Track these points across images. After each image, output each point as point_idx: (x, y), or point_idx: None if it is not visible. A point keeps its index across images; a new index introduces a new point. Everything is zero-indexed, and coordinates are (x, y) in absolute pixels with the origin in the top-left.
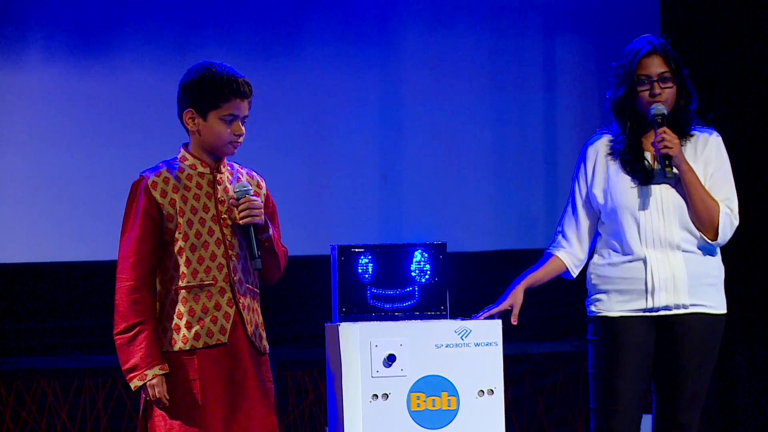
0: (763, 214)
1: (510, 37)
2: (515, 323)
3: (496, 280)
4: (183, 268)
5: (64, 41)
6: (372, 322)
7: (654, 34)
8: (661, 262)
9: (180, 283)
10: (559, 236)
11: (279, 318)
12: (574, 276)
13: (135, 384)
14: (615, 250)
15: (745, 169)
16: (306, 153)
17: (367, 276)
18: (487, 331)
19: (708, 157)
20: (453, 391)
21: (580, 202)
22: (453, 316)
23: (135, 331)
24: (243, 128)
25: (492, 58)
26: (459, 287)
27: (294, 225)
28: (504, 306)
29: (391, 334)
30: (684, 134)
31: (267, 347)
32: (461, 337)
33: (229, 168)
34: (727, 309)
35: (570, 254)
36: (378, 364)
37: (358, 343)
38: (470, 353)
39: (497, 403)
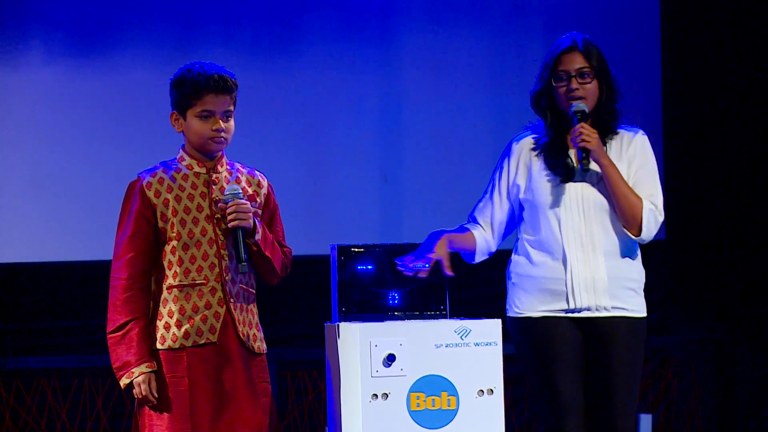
0: None
1: (510, 37)
2: (452, 274)
3: (496, 280)
4: (175, 267)
5: (64, 41)
6: (372, 322)
7: (654, 34)
8: (582, 262)
9: (172, 281)
10: (476, 222)
11: (279, 318)
12: (475, 261)
13: (123, 382)
14: (536, 249)
15: (749, 166)
16: (306, 153)
17: (367, 276)
18: (487, 331)
19: (632, 155)
20: (453, 391)
21: (498, 195)
22: (453, 316)
23: (125, 329)
24: (222, 123)
25: (492, 58)
26: (459, 287)
27: (294, 225)
28: (435, 255)
29: (390, 334)
30: (608, 132)
31: (263, 347)
32: (461, 337)
33: (228, 167)
34: (728, 308)
35: (484, 239)
36: (378, 364)
37: (358, 343)
38: (470, 353)
39: (497, 403)
